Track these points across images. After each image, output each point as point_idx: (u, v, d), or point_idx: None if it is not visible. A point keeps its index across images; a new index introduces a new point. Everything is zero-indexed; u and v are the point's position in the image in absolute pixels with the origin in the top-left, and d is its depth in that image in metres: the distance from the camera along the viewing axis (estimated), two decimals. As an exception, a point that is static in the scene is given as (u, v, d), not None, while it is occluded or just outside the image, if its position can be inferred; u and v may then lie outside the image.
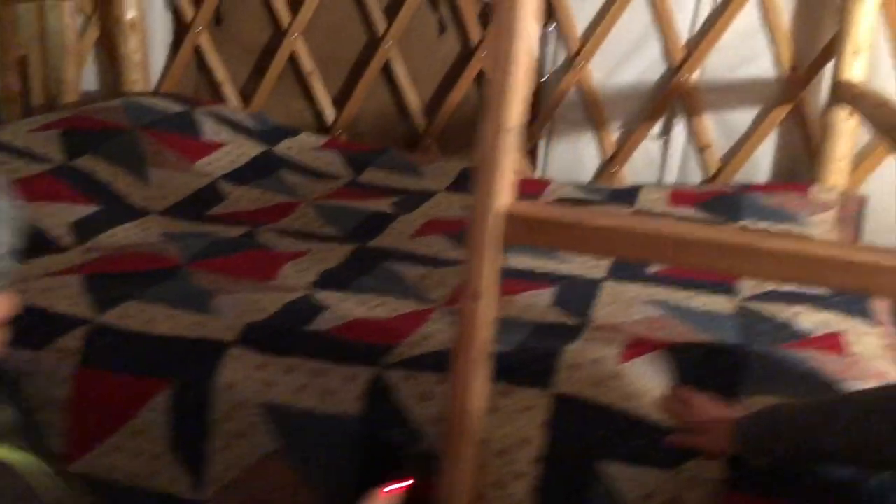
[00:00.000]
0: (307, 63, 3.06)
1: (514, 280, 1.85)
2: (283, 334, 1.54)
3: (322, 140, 2.84)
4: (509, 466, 1.36)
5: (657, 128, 2.95)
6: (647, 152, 2.98)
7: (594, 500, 1.33)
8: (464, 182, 2.61)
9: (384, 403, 1.41)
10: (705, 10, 2.77)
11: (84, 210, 2.04)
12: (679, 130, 2.89)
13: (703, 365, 1.43)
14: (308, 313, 1.63)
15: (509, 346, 1.48)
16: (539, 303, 1.73)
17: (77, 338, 1.55)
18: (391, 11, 3.00)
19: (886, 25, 2.58)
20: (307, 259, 1.91)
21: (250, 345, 1.51)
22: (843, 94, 2.47)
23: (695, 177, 2.93)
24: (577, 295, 1.78)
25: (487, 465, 1.36)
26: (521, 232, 1.11)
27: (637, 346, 1.47)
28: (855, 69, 2.48)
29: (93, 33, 3.01)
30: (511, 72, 1.04)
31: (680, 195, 2.60)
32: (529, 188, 2.61)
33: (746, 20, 2.72)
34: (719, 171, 2.86)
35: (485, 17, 3.01)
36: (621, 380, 1.37)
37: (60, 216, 1.99)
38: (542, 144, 3.14)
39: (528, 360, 1.43)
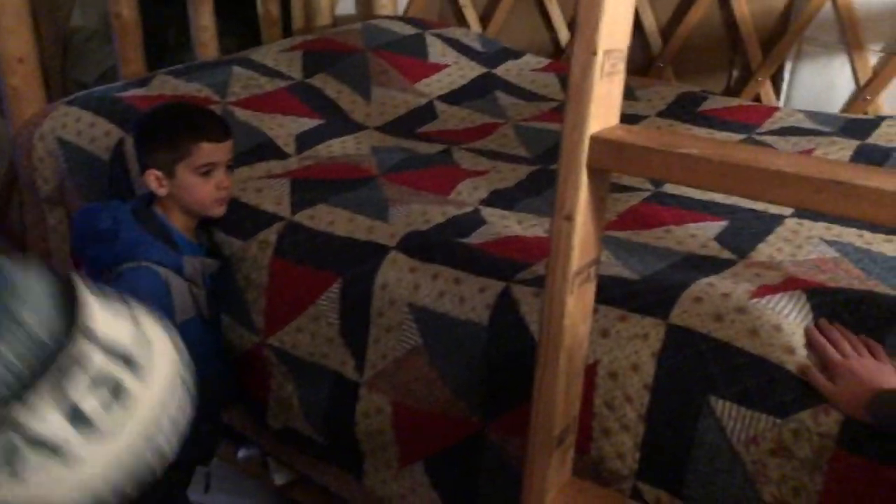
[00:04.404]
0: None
1: (682, 209, 1.80)
2: (435, 244, 1.67)
3: (544, 62, 2.88)
4: (620, 390, 1.39)
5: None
6: (908, 79, 2.63)
7: (699, 432, 1.31)
8: (678, 109, 2.52)
9: (509, 315, 1.49)
10: None
11: (309, 123, 2.31)
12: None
13: (846, 312, 1.32)
14: (467, 227, 1.75)
15: (639, 274, 1.48)
16: (702, 235, 1.68)
17: (274, 232, 1.81)
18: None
19: None
20: (486, 177, 2.01)
21: (407, 250, 1.67)
22: None
23: (966, 109, 2.55)
24: (750, 230, 1.70)
25: (598, 385, 1.40)
26: (606, 156, 1.11)
27: (777, 285, 1.39)
28: None
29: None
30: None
31: (936, 129, 2.29)
32: (750, 115, 2.45)
33: None
34: None
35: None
36: (746, 316, 1.32)
37: (289, 127, 2.27)
38: (788, 67, 2.90)
39: (650, 288, 1.42)
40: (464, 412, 1.57)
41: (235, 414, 2.03)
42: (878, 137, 2.24)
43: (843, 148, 2.14)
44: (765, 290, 1.37)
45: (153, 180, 1.73)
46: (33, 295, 0.68)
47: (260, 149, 2.14)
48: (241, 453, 2.16)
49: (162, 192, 1.73)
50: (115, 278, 1.69)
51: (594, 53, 1.07)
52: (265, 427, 1.95)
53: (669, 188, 1.94)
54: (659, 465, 1.36)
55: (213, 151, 1.72)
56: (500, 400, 1.52)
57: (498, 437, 1.53)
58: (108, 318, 0.73)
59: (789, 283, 1.40)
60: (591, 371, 1.38)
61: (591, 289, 1.27)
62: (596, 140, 1.12)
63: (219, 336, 1.89)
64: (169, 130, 1.74)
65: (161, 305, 1.68)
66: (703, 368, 1.31)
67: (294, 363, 1.81)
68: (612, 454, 1.40)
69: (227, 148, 1.77)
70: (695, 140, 1.12)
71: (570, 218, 1.16)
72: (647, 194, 1.91)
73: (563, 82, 2.72)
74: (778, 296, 1.35)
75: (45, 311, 0.68)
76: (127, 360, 0.72)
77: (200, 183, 1.73)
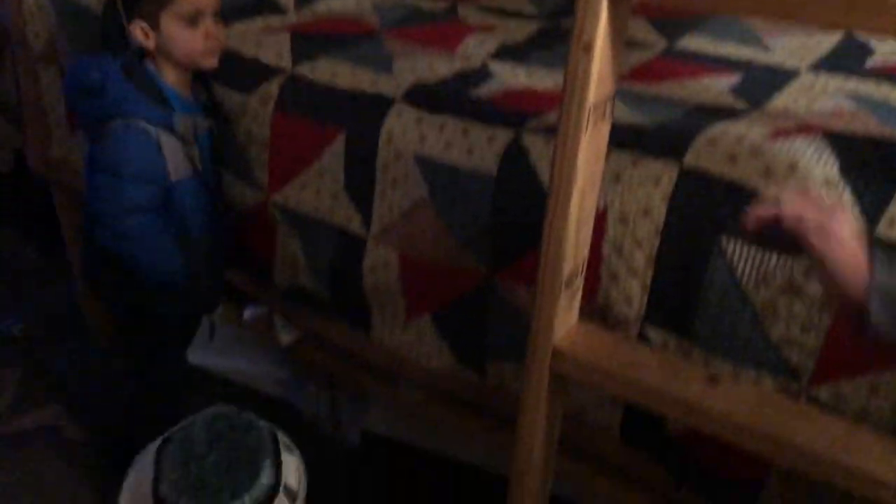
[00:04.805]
0: None
1: (696, 64, 1.76)
2: (442, 95, 1.62)
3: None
4: (630, 234, 1.38)
5: None
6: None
7: (708, 274, 1.31)
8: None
9: (519, 164, 1.47)
10: None
11: (308, -21, 2.22)
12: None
13: (865, 153, 1.30)
14: (475, 80, 1.70)
15: (651, 122, 1.45)
16: (714, 87, 1.63)
17: (275, 85, 1.76)
18: None
19: None
20: (493, 33, 1.94)
21: (413, 102, 1.62)
22: None
23: None
24: (763, 83, 1.65)
25: (608, 231, 1.39)
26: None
27: (793, 130, 1.36)
28: None
29: None
30: None
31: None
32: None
33: None
34: None
35: None
36: (761, 157, 1.29)
37: (287, -17, 2.18)
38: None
39: (664, 133, 1.39)
40: (471, 263, 1.57)
41: (240, 276, 2.04)
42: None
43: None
44: (780, 133, 1.34)
45: (139, 32, 1.66)
46: (266, 461, 1.12)
47: (257, 3, 2.06)
48: (247, 314, 2.18)
49: (149, 45, 1.67)
50: (105, 135, 1.65)
51: None
52: (271, 286, 1.95)
53: (682, 44, 1.88)
54: (667, 308, 1.37)
55: None
56: (508, 249, 1.52)
57: (506, 285, 1.53)
58: (292, 468, 1.14)
59: (806, 128, 1.37)
60: (601, 217, 1.36)
61: (605, 128, 1.24)
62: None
63: (216, 194, 1.86)
64: None
65: (152, 164, 1.65)
66: (715, 210, 1.30)
67: (299, 220, 1.80)
68: (619, 299, 1.40)
69: None
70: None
71: (588, 47, 1.12)
72: (659, 50, 1.86)
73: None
74: (794, 138, 1.32)
75: (268, 469, 1.11)
76: (293, 496, 1.13)
77: (187, 33, 1.66)
